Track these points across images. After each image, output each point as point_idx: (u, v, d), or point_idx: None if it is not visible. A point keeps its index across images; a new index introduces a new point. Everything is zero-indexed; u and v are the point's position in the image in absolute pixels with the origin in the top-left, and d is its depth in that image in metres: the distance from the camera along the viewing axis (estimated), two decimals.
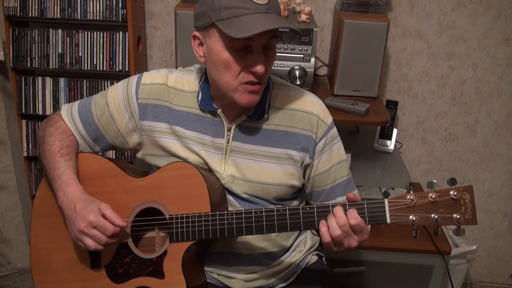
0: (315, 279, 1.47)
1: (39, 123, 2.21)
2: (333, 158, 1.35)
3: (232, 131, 1.30)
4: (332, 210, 1.16)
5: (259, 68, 1.16)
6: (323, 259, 1.55)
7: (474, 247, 2.21)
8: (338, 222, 1.14)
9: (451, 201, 1.11)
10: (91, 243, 1.20)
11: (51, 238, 1.34)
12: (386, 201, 1.14)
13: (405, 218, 1.13)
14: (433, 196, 1.11)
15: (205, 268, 1.40)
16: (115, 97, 1.35)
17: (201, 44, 1.23)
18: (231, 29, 1.11)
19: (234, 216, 1.22)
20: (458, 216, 1.11)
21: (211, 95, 1.30)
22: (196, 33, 1.23)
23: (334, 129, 1.36)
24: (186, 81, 1.34)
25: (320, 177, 1.36)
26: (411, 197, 1.12)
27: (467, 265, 2.25)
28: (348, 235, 1.15)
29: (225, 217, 1.23)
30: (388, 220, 1.14)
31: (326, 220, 1.16)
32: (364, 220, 1.15)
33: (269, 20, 1.12)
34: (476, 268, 2.71)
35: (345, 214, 1.14)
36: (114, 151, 2.19)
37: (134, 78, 1.36)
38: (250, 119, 1.29)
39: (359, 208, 1.15)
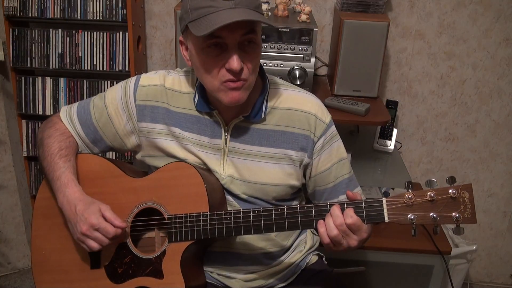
0: (315, 279, 1.47)
1: (39, 123, 2.22)
2: (333, 156, 1.35)
3: (229, 132, 1.30)
4: (329, 209, 1.17)
5: (234, 65, 1.13)
6: (323, 259, 1.54)
7: (474, 247, 2.20)
8: (335, 222, 1.14)
9: (450, 199, 1.10)
10: (94, 245, 1.21)
11: (52, 238, 1.34)
12: (384, 200, 1.14)
13: (403, 217, 1.13)
14: (432, 195, 1.11)
15: (205, 268, 1.39)
16: (113, 99, 1.35)
17: (187, 48, 1.23)
18: (197, 29, 1.10)
19: (232, 216, 1.22)
20: (457, 215, 1.10)
21: (207, 96, 1.29)
22: (181, 38, 1.23)
23: (333, 128, 1.35)
24: (183, 82, 1.34)
25: (321, 176, 1.36)
26: (410, 196, 1.12)
27: (467, 265, 2.25)
28: (346, 235, 1.14)
29: (224, 216, 1.22)
30: (386, 219, 1.14)
31: (324, 220, 1.16)
32: (362, 219, 1.14)
33: (234, 14, 1.09)
34: (476, 268, 2.71)
35: (342, 213, 1.14)
36: (114, 152, 2.19)
37: (132, 80, 1.36)
38: (247, 120, 1.29)
39: (357, 207, 1.15)
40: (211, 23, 1.08)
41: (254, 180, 1.31)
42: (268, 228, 1.21)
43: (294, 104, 1.32)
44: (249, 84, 1.21)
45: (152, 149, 1.35)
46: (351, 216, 1.13)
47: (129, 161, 2.21)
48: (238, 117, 1.29)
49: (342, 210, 1.15)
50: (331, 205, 1.17)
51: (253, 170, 1.31)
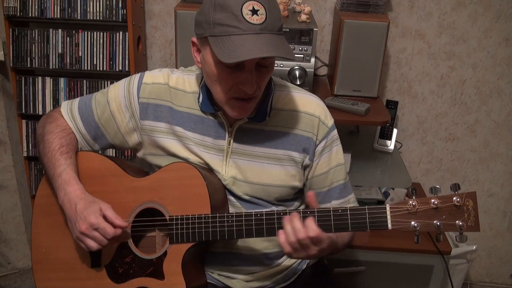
0: (315, 279, 1.47)
1: None
2: (332, 161, 1.35)
3: (233, 133, 1.30)
4: (332, 213, 1.16)
5: (249, 88, 1.15)
6: (324, 259, 1.55)
7: (474, 247, 2.20)
8: (298, 235, 1.12)
9: (454, 207, 1.09)
10: (92, 244, 1.20)
11: (52, 236, 1.34)
12: (387, 206, 1.13)
13: (406, 224, 1.12)
14: (436, 202, 1.10)
15: (206, 269, 1.40)
16: (116, 96, 1.35)
17: (198, 50, 1.23)
18: (220, 50, 1.09)
19: (234, 218, 1.22)
20: (460, 223, 1.09)
21: (212, 96, 1.29)
22: (195, 40, 1.22)
23: (335, 132, 1.35)
24: (187, 81, 1.34)
25: (317, 179, 1.36)
26: (413, 203, 1.11)
27: (467, 265, 2.25)
28: (307, 247, 1.13)
29: (225, 219, 1.22)
30: (390, 226, 1.13)
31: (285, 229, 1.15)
32: (365, 226, 1.14)
33: (260, 44, 1.08)
34: (476, 268, 2.71)
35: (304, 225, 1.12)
36: (114, 150, 2.19)
37: (135, 77, 1.35)
38: (251, 121, 1.29)
39: (360, 213, 1.14)
40: (238, 51, 1.07)
41: (257, 181, 1.31)
42: (270, 232, 1.21)
43: (298, 106, 1.32)
44: (257, 99, 1.22)
45: (154, 148, 1.35)
46: (313, 230, 1.11)
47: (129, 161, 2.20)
48: (242, 118, 1.28)
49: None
50: (334, 209, 1.16)
51: (255, 171, 1.31)
